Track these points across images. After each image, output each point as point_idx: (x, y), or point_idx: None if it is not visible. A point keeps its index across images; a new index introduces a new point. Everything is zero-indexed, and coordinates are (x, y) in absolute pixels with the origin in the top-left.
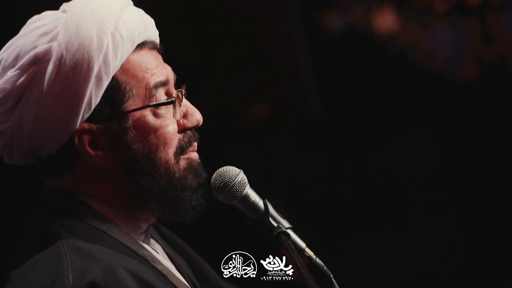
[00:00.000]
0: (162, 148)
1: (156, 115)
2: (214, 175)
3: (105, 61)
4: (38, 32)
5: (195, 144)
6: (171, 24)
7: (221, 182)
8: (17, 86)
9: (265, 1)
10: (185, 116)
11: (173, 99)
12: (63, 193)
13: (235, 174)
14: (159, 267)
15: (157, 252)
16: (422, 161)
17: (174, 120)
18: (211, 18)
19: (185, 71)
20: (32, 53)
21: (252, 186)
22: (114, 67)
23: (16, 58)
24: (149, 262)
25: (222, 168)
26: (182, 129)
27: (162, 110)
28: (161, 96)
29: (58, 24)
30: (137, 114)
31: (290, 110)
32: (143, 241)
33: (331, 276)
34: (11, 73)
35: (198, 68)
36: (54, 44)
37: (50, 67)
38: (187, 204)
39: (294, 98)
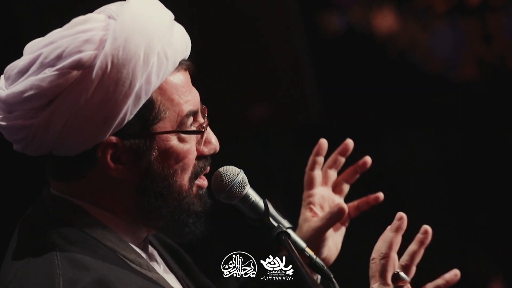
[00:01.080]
0: (180, 172)
1: (180, 139)
2: (214, 175)
3: (148, 81)
4: (85, 37)
5: (208, 168)
6: None
7: (222, 182)
8: (53, 86)
9: (265, 1)
10: (204, 143)
11: (203, 130)
12: (62, 200)
13: (235, 174)
14: (154, 277)
15: (155, 259)
16: (422, 160)
17: (194, 146)
18: (211, 18)
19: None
20: (76, 57)
21: (252, 186)
22: (153, 87)
23: (58, 58)
24: (144, 272)
25: (222, 168)
26: (199, 155)
27: (186, 135)
28: (189, 122)
29: (106, 32)
30: (164, 136)
31: (290, 109)
32: (142, 249)
33: (332, 276)
34: (49, 71)
35: (198, 68)
36: (100, 53)
37: (92, 76)
38: (189, 229)
39: (294, 97)
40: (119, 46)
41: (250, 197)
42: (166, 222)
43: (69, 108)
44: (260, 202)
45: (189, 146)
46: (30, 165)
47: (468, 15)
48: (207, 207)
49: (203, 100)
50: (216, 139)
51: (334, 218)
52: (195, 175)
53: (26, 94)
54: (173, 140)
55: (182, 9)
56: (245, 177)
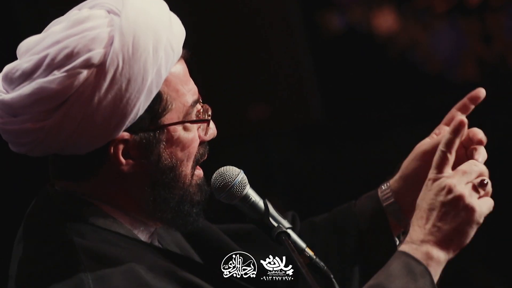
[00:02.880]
0: (185, 162)
1: (185, 129)
2: (215, 175)
3: (158, 74)
4: (92, 35)
5: (206, 155)
6: None
7: (222, 182)
8: (64, 87)
9: (265, 1)
10: (205, 129)
11: (209, 118)
12: (71, 196)
13: (235, 174)
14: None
15: None
16: None
17: (197, 134)
18: (211, 17)
19: None
20: (86, 56)
21: (252, 186)
22: (163, 79)
23: (67, 58)
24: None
25: (222, 168)
26: (200, 142)
27: (190, 124)
28: (194, 112)
29: (111, 29)
30: (172, 127)
31: (290, 110)
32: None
33: (331, 276)
34: (59, 73)
35: (197, 67)
36: (109, 51)
37: (104, 74)
38: (192, 218)
39: (294, 98)
40: (128, 43)
41: (250, 197)
42: (174, 214)
43: (82, 108)
44: (260, 202)
45: (193, 135)
46: (28, 164)
47: (468, 15)
48: (206, 196)
49: (202, 100)
50: (213, 124)
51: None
52: (196, 163)
53: (35, 97)
54: (180, 131)
55: (182, 9)
56: (245, 177)
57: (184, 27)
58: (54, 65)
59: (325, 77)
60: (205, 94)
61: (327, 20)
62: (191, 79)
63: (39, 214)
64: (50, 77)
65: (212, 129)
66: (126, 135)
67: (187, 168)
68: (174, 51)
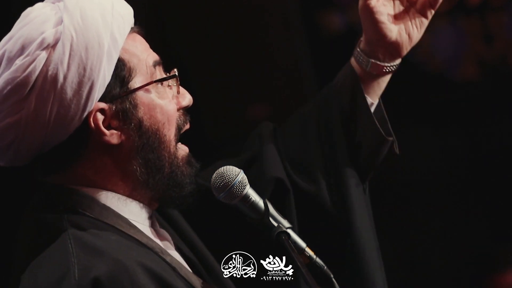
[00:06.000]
0: (167, 124)
1: (158, 93)
2: (214, 175)
3: (113, 38)
4: (40, 20)
5: (188, 124)
6: (171, 23)
7: (222, 182)
8: (28, 73)
9: (265, 1)
10: (179, 95)
11: (175, 73)
12: (66, 189)
13: (235, 174)
14: (168, 259)
15: (166, 240)
16: (422, 160)
17: (171, 99)
18: (211, 17)
19: (185, 70)
20: (40, 38)
21: (252, 186)
22: (120, 44)
23: (23, 47)
24: (158, 254)
25: (222, 167)
26: (178, 108)
27: (161, 89)
28: (158, 74)
29: (57, 11)
30: (144, 91)
31: (290, 109)
32: (150, 228)
33: (332, 276)
34: (19, 61)
35: (198, 67)
36: (60, 28)
37: (61, 49)
38: (187, 190)
39: (294, 98)
40: (76, 16)
41: (250, 197)
42: (168, 181)
43: (50, 88)
44: (260, 202)
45: (167, 100)
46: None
47: (468, 15)
48: (197, 169)
49: (203, 100)
50: (188, 93)
51: None
52: (178, 129)
53: (4, 92)
54: (152, 93)
55: (183, 9)
56: (245, 177)
57: (185, 27)
58: (13, 57)
59: (325, 76)
60: (205, 94)
61: (328, 19)
62: (150, 49)
63: (36, 209)
64: (12, 68)
65: (188, 95)
66: (101, 104)
67: (169, 132)
68: (123, 18)
